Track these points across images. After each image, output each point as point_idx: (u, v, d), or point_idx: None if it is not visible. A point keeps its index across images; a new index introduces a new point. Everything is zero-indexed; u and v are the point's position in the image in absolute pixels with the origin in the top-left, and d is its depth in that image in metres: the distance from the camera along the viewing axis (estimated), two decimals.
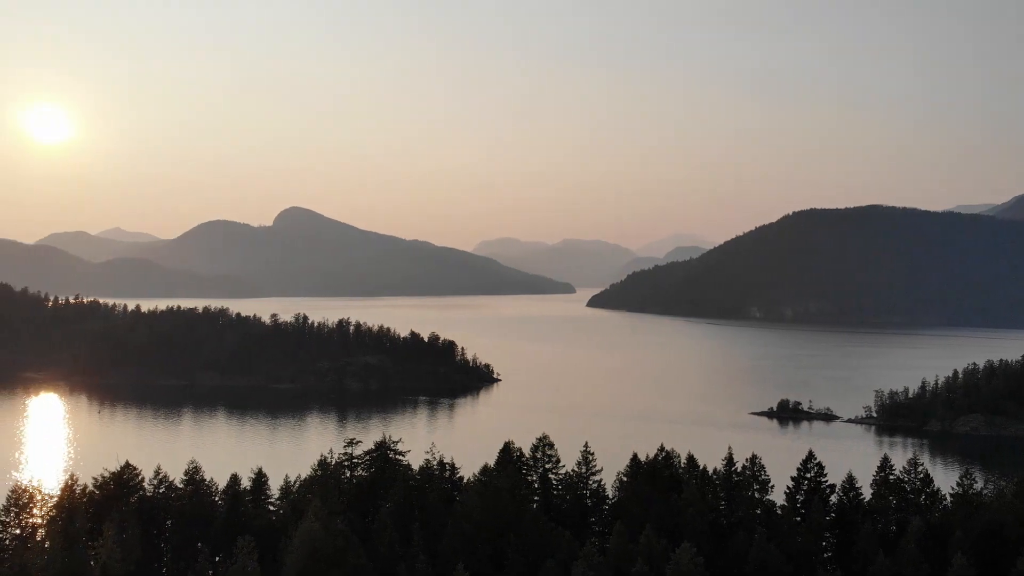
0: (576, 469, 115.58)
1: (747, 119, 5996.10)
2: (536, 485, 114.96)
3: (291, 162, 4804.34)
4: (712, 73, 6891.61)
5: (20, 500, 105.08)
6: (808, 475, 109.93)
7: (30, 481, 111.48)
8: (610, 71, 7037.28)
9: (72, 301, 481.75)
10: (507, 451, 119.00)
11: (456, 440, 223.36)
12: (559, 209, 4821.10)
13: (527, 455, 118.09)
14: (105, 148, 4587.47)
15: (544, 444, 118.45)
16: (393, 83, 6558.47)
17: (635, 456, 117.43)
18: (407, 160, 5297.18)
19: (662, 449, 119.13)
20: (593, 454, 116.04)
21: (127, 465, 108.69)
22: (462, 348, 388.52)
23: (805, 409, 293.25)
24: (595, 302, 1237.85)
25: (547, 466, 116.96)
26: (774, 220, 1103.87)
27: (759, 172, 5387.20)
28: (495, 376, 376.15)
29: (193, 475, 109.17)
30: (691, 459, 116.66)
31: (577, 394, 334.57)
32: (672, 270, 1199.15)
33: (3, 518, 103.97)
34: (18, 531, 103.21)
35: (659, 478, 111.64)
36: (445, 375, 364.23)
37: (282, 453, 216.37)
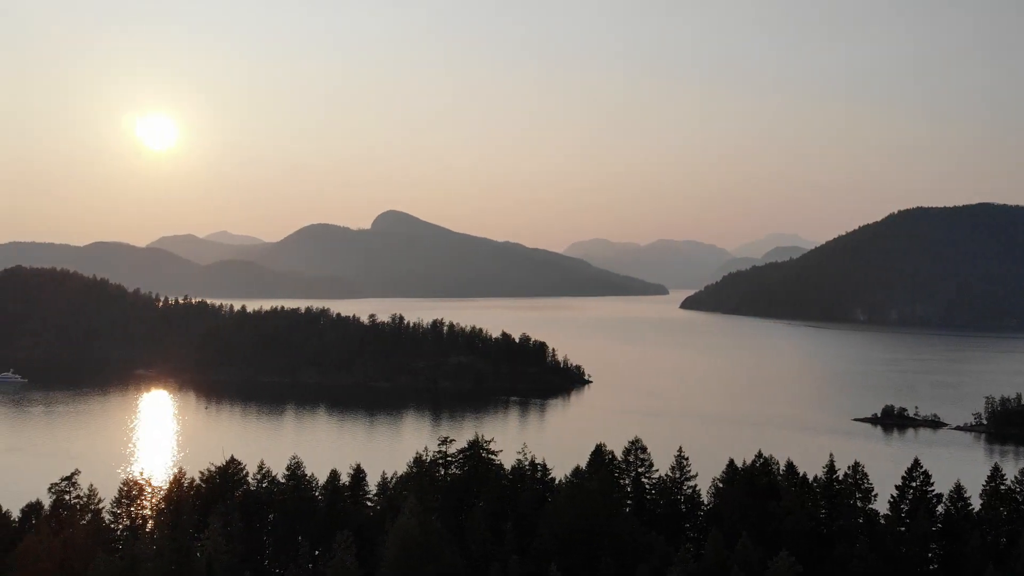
0: (670, 474, 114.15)
1: (849, 116, 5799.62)
2: (629, 489, 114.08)
3: (389, 167, 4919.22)
4: (810, 70, 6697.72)
5: (131, 492, 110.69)
6: (913, 484, 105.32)
7: (141, 474, 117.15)
8: (702, 70, 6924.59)
9: (181, 302, 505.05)
10: (599, 453, 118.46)
11: (547, 441, 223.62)
12: (651, 209, 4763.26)
13: (619, 458, 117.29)
14: (212, 154, 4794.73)
15: (637, 447, 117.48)
16: (486, 89, 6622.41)
17: (731, 462, 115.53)
18: (500, 163, 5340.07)
19: (760, 455, 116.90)
20: (688, 459, 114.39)
21: (232, 460, 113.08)
22: (553, 349, 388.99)
23: (911, 416, 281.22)
24: (689, 304, 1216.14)
25: (640, 470, 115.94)
26: (879, 219, 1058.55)
27: (861, 169, 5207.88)
28: (586, 377, 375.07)
29: (295, 470, 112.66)
30: (790, 466, 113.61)
31: (671, 397, 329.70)
32: (770, 271, 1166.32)
33: (115, 509, 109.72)
34: (129, 522, 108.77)
35: (756, 485, 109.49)
36: (536, 376, 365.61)
37: (379, 450, 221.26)
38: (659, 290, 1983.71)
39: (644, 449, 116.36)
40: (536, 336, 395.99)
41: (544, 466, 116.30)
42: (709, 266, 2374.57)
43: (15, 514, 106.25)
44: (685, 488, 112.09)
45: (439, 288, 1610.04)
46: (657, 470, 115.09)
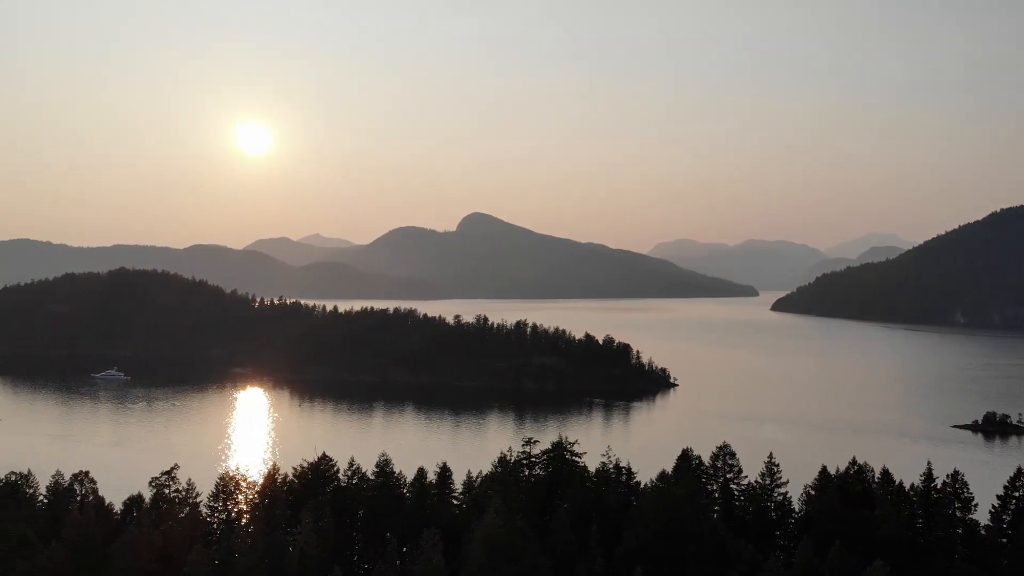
0: (760, 480, 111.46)
1: (949, 113, 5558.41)
2: (716, 495, 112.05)
3: (474, 170, 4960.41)
4: (913, 69, 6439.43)
5: (227, 487, 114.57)
6: (1017, 494, 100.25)
7: (236, 469, 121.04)
8: (792, 66, 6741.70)
9: (276, 302, 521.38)
10: (686, 458, 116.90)
11: (632, 444, 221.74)
12: (740, 209, 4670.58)
13: (707, 463, 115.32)
14: (305, 160, 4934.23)
15: (725, 453, 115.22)
16: (569, 89, 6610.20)
17: (824, 468, 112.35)
18: (584, 163, 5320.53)
19: (854, 462, 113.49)
20: (778, 465, 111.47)
21: (324, 456, 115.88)
22: (638, 351, 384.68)
23: (1014, 423, 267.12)
24: (780, 306, 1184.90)
25: (728, 475, 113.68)
26: (980, 217, 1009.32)
27: (962, 167, 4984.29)
28: (673, 381, 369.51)
29: (384, 467, 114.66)
30: (885, 473, 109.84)
31: (760, 402, 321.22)
32: (866, 272, 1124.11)
33: (212, 503, 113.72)
34: (225, 516, 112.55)
35: (850, 492, 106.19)
36: (621, 378, 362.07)
37: (464, 449, 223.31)
38: (748, 292, 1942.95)
39: (733, 455, 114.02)
40: (620, 338, 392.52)
41: (629, 470, 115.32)
42: (801, 267, 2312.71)
43: (117, 506, 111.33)
44: (775, 495, 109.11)
45: (522, 289, 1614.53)
46: (746, 476, 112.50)
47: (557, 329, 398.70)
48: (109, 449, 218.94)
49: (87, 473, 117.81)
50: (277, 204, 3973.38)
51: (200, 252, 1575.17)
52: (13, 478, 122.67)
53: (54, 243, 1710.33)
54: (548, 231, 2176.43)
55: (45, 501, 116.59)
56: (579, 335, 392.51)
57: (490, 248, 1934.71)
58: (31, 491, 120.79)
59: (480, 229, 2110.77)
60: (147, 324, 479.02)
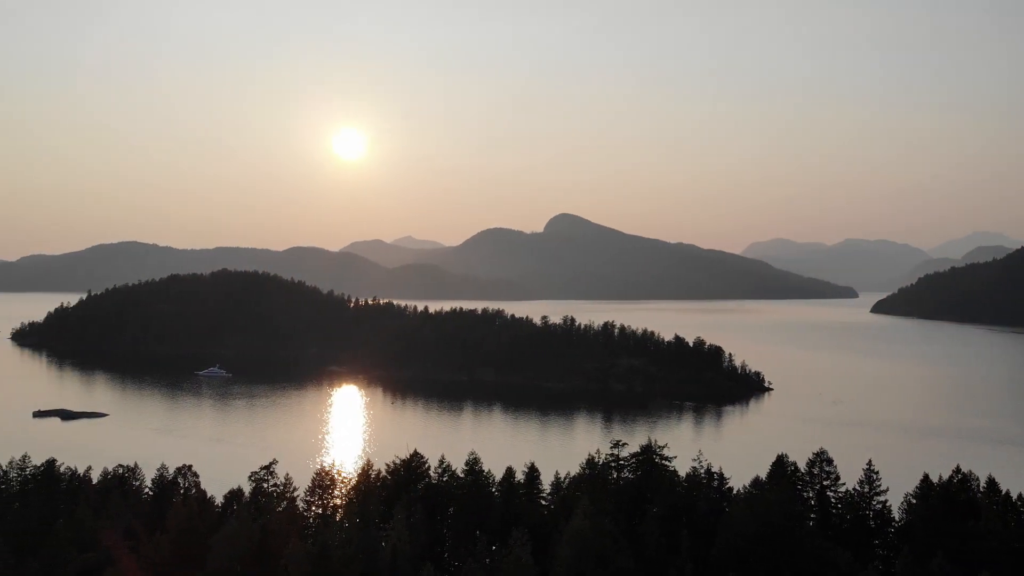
0: (858, 488, 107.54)
1: None
2: (812, 502, 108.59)
3: (562, 171, 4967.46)
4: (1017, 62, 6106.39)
5: (323, 482, 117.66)
6: None
7: (332, 465, 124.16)
8: (895, 67, 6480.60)
9: (370, 303, 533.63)
10: (780, 464, 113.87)
11: (724, 449, 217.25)
12: (838, 207, 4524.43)
13: (803, 470, 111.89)
14: (397, 164, 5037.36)
15: (822, 459, 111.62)
16: (657, 89, 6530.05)
17: (926, 477, 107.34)
18: (673, 162, 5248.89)
19: (958, 470, 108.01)
20: (877, 472, 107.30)
21: (415, 453, 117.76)
22: (730, 354, 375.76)
23: None
24: (881, 308, 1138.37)
25: (825, 483, 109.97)
26: None
27: None
28: (767, 385, 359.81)
29: (473, 466, 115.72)
30: (991, 482, 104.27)
31: (859, 407, 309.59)
32: (972, 272, 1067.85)
33: (308, 497, 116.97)
34: (320, 510, 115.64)
35: (954, 502, 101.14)
36: (712, 381, 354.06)
37: (552, 449, 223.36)
38: (847, 293, 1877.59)
39: (830, 461, 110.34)
40: (712, 340, 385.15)
41: (721, 475, 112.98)
42: (903, 267, 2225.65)
43: (219, 499, 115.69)
44: (874, 503, 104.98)
45: (610, 290, 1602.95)
46: (844, 483, 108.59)
47: (645, 331, 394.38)
48: (211, 444, 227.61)
49: (190, 467, 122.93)
50: (371, 207, 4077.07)
51: (298, 254, 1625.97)
52: (121, 471, 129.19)
53: (160, 245, 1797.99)
54: (637, 231, 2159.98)
55: (151, 493, 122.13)
56: (668, 337, 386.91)
57: (577, 249, 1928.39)
58: (137, 483, 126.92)
59: (568, 230, 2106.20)
60: (247, 323, 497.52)
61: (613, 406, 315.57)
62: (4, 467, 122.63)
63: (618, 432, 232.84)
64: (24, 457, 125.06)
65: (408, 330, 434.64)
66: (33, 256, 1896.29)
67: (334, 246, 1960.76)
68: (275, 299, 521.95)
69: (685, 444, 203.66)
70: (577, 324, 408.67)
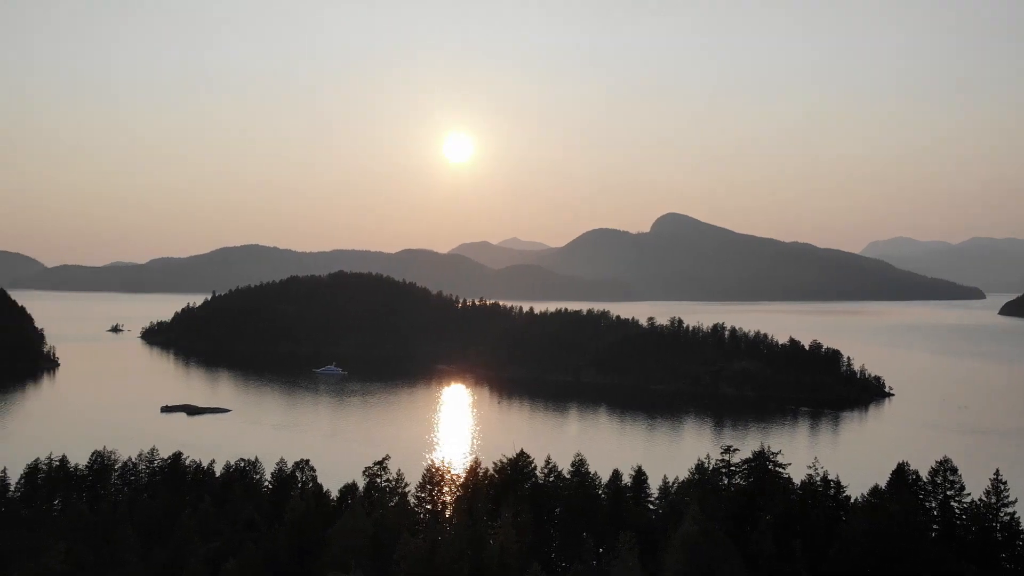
0: (984, 498, 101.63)
1: None
2: (935, 512, 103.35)
3: (668, 170, 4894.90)
4: None
5: (433, 479, 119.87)
6: None
7: (442, 462, 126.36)
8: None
9: (477, 303, 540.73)
10: (901, 473, 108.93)
11: (841, 456, 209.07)
12: (964, 203, 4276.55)
13: (925, 479, 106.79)
14: (504, 166, 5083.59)
15: (946, 468, 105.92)
16: (765, 80, 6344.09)
17: None
18: (786, 158, 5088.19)
19: None
20: (1005, 483, 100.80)
21: (522, 453, 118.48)
22: (848, 358, 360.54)
23: None
24: (1011, 309, 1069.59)
25: (948, 492, 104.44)
26: None
27: None
28: (887, 390, 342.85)
29: (579, 467, 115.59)
30: None
31: (986, 414, 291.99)
32: None
33: (419, 493, 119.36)
34: (430, 506, 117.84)
35: None
36: (828, 386, 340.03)
37: (659, 453, 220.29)
38: (974, 294, 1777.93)
39: (954, 470, 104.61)
40: (828, 343, 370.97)
41: (838, 483, 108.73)
42: None
43: (334, 493, 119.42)
44: (1001, 515, 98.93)
45: (720, 291, 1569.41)
46: (969, 494, 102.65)
47: (758, 333, 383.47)
48: (327, 439, 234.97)
49: (307, 461, 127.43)
50: (478, 210, 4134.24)
51: (409, 256, 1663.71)
52: (242, 464, 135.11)
53: (281, 248, 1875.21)
54: (749, 231, 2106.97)
55: (270, 487, 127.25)
56: (782, 339, 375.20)
57: (686, 249, 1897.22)
58: (258, 477, 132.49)
59: (675, 229, 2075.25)
60: (362, 323, 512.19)
61: (723, 410, 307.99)
62: (134, 459, 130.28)
63: (728, 437, 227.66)
64: (152, 450, 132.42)
65: (514, 331, 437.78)
66: (161, 259, 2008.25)
67: (443, 248, 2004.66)
68: (387, 300, 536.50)
69: (800, 450, 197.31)
70: (685, 326, 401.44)
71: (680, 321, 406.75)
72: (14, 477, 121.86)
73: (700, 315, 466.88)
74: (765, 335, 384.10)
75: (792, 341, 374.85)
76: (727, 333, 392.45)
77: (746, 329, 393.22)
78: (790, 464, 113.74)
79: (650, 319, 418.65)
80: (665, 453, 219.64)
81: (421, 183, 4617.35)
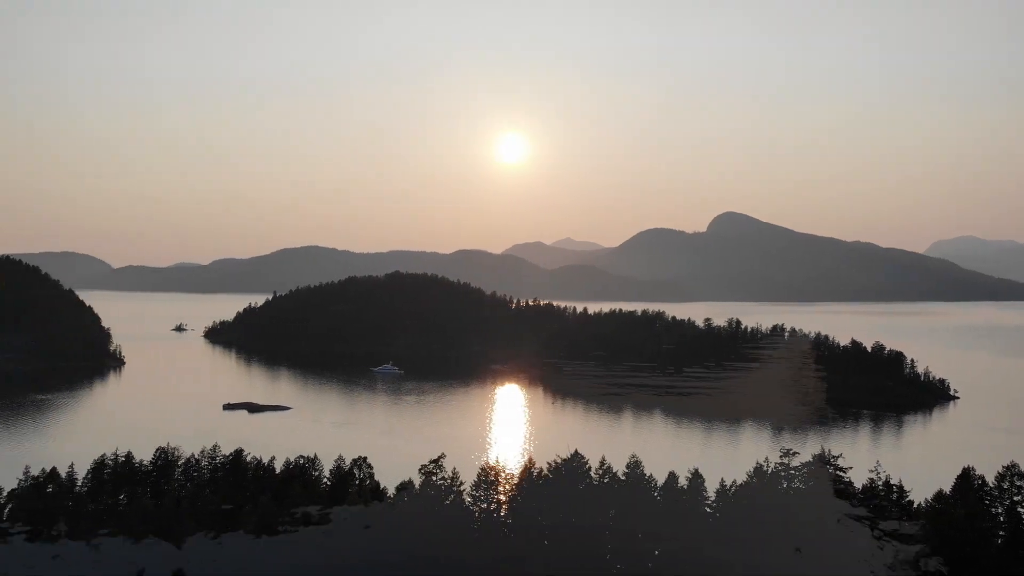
0: None
1: None
2: (1002, 518, 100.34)
3: (725, 168, 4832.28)
4: None
5: (488, 477, 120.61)
6: None
7: (496, 461, 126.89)
8: None
9: (531, 303, 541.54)
10: (966, 477, 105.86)
11: (904, 460, 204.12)
12: None
13: (991, 484, 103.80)
14: (558, 166, 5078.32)
15: (1013, 473, 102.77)
16: (823, 74, 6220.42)
17: None
18: (849, 155, 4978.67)
19: None
20: None
21: (576, 453, 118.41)
22: (912, 360, 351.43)
23: None
24: None
25: (1016, 498, 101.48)
26: None
27: None
28: (952, 393, 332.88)
29: (634, 468, 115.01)
30: None
31: None
32: None
33: (475, 492, 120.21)
34: (485, 505, 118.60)
35: None
36: (891, 388, 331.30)
37: (716, 455, 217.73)
38: None
39: (1022, 475, 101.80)
40: (891, 345, 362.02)
41: (901, 487, 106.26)
42: None
43: (391, 491, 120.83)
44: None
45: (779, 292, 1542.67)
46: None
47: (819, 334, 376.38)
48: (384, 438, 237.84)
49: (365, 459, 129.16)
50: (532, 210, 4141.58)
51: (463, 256, 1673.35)
52: (301, 461, 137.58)
53: (339, 249, 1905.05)
54: (809, 230, 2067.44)
55: (328, 483, 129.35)
56: (844, 341, 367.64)
57: (744, 248, 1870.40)
58: (316, 473, 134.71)
59: (733, 229, 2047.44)
60: (418, 323, 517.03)
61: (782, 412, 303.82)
62: (196, 456, 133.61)
63: (788, 440, 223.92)
64: (215, 447, 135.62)
65: (568, 331, 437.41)
66: (223, 260, 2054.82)
67: (497, 248, 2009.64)
68: (442, 300, 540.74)
69: (861, 454, 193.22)
70: (743, 327, 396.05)
71: (738, 322, 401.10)
72: (81, 472, 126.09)
73: (758, 316, 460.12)
74: (826, 337, 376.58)
75: (854, 343, 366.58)
76: (786, 334, 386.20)
77: (806, 330, 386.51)
78: (851, 468, 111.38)
79: (707, 320, 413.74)
80: (722, 456, 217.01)
81: (475, 184, 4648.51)
